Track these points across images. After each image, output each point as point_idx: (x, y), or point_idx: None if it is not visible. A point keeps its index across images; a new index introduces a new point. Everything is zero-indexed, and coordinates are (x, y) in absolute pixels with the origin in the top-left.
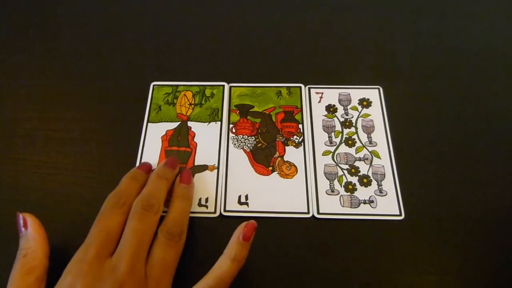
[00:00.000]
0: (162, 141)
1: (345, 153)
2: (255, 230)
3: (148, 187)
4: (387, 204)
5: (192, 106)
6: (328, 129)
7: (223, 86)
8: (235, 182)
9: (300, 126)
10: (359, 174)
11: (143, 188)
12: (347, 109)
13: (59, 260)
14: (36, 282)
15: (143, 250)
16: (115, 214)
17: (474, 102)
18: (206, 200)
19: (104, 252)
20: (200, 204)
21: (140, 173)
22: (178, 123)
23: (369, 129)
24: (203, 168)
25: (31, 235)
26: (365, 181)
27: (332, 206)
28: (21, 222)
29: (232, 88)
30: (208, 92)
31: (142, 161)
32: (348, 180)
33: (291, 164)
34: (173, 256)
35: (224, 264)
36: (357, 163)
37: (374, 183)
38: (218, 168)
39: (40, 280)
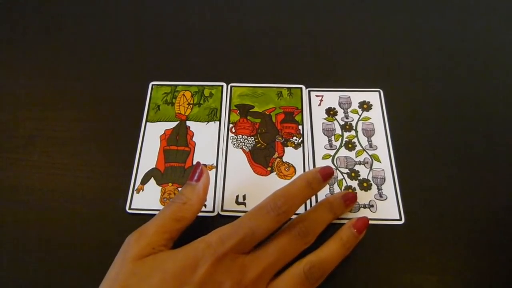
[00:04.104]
0: (160, 141)
1: (345, 157)
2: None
3: (315, 213)
4: (387, 208)
5: (191, 106)
6: (328, 132)
7: (222, 86)
8: (233, 182)
9: (300, 127)
10: (359, 178)
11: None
12: (347, 112)
13: (59, 259)
14: (178, 231)
15: (277, 267)
16: (271, 218)
17: (475, 105)
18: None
19: (241, 248)
20: None
21: (319, 180)
22: (177, 122)
23: (369, 133)
24: None
25: (199, 190)
26: (365, 185)
27: None
28: (198, 173)
29: (233, 88)
30: (207, 92)
31: (141, 159)
32: (348, 184)
33: (289, 165)
34: None
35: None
36: (357, 167)
37: (374, 187)
38: (216, 167)
39: (180, 231)
